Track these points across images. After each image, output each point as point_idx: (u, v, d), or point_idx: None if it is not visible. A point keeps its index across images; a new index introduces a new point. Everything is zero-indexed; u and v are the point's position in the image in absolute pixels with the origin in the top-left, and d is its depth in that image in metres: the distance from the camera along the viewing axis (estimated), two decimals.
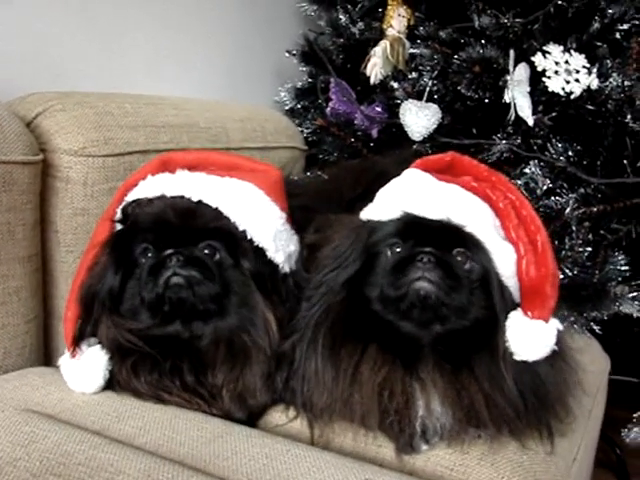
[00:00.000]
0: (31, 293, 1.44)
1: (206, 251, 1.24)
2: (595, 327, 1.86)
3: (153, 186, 1.29)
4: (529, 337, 1.16)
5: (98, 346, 1.25)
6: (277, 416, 1.27)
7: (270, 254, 1.29)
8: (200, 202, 1.25)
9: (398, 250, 1.19)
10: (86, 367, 1.24)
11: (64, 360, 1.28)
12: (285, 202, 1.37)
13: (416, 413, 1.15)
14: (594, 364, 1.72)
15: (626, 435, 2.02)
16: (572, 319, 1.78)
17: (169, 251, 1.21)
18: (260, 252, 1.28)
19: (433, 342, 1.18)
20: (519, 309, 1.19)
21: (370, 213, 1.26)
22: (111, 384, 1.26)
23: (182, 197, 1.25)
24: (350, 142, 2.09)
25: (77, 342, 1.26)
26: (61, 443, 1.03)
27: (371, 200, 1.32)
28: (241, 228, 1.26)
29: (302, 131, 2.23)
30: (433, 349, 1.18)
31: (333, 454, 1.14)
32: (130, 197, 1.31)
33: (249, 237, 1.26)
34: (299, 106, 2.35)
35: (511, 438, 1.19)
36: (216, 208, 1.25)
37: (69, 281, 1.49)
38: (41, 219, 1.47)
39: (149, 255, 1.24)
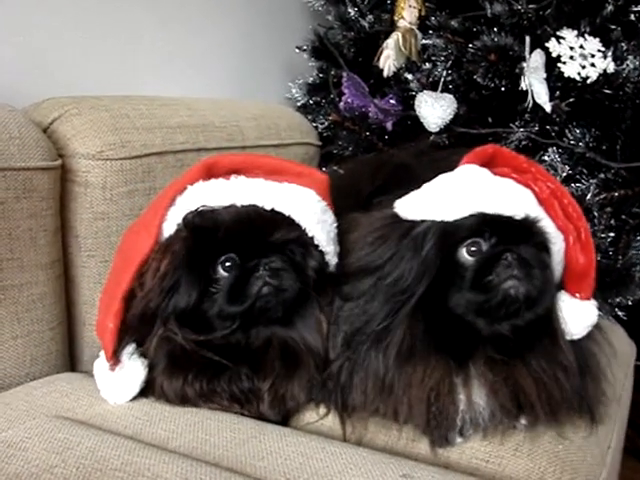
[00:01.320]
0: (55, 299, 1.44)
1: (286, 259, 1.23)
2: (620, 313, 1.84)
3: (209, 192, 1.24)
4: (580, 317, 1.21)
5: (141, 359, 1.22)
6: (308, 414, 1.26)
7: (329, 257, 1.28)
8: (273, 210, 1.22)
9: (475, 249, 1.15)
10: (125, 380, 1.22)
11: (99, 369, 1.25)
12: (333, 205, 1.35)
13: (457, 409, 1.15)
14: (620, 349, 1.70)
15: None
16: (597, 305, 1.77)
17: (255, 261, 1.20)
18: (322, 256, 1.27)
19: (493, 336, 1.16)
20: (563, 292, 1.22)
21: (428, 213, 1.19)
22: (144, 390, 1.25)
23: (255, 206, 1.21)
24: (365, 136, 2.07)
25: (118, 354, 1.22)
26: (96, 449, 1.02)
27: (389, 193, 1.30)
28: (310, 234, 1.25)
29: (316, 127, 2.22)
30: (489, 343, 1.16)
31: (368, 450, 1.13)
32: (182, 204, 1.23)
33: (317, 243, 1.25)
34: (311, 102, 2.33)
35: (547, 427, 1.19)
36: (289, 216, 1.23)
37: (92, 286, 1.50)
38: (61, 225, 1.46)
39: (228, 265, 1.21)
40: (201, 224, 1.20)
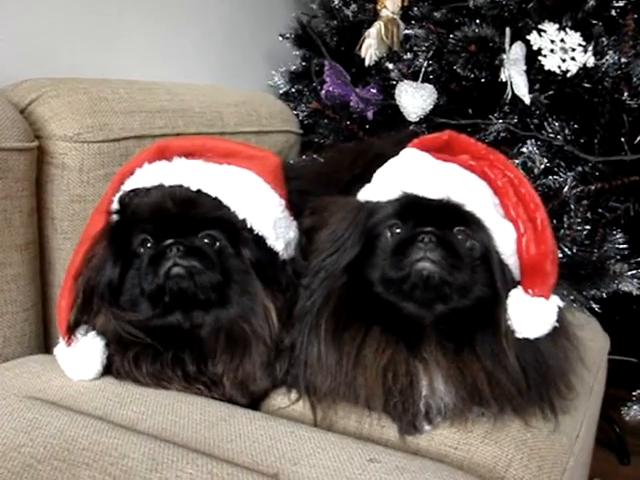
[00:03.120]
0: (29, 281, 1.43)
1: (206, 240, 1.23)
2: (595, 306, 1.86)
3: (150, 174, 1.27)
4: (530, 314, 1.16)
5: (93, 333, 1.24)
6: (279, 399, 1.27)
7: (270, 242, 1.28)
8: (199, 191, 1.24)
9: (398, 231, 1.18)
10: (83, 355, 1.23)
11: (59, 349, 1.26)
12: (284, 189, 1.36)
13: (420, 393, 1.15)
14: (594, 342, 1.72)
15: (626, 413, 2.03)
16: (572, 298, 1.78)
17: (169, 241, 1.20)
18: (260, 240, 1.27)
19: (435, 322, 1.17)
20: (519, 287, 1.19)
21: (368, 194, 1.25)
22: (110, 370, 1.25)
23: (181, 186, 1.24)
24: (346, 125, 2.08)
25: (72, 330, 1.24)
26: (64, 429, 1.03)
27: (368, 182, 1.31)
28: (241, 217, 1.25)
29: (297, 115, 2.22)
30: (435, 329, 1.17)
31: (337, 435, 1.14)
32: (127, 186, 1.28)
33: (249, 226, 1.25)
34: (293, 90, 2.33)
35: (514, 416, 1.20)
36: (215, 197, 1.24)
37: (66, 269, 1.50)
38: (37, 206, 1.46)
39: (148, 246, 1.22)
40: (127, 204, 1.24)
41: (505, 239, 1.18)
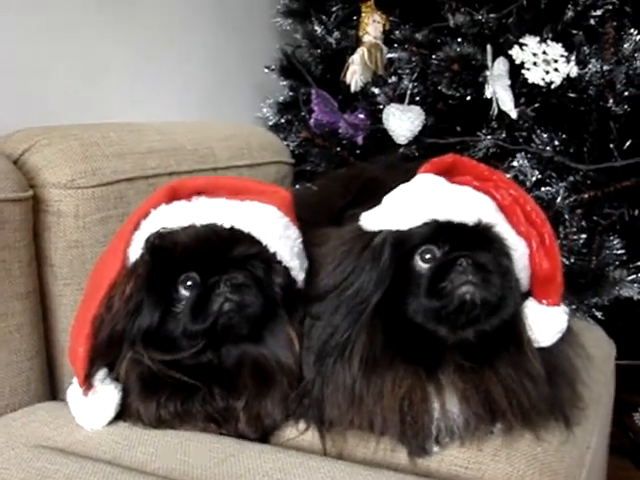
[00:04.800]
0: (32, 329, 1.44)
1: (247, 274, 1.23)
2: (597, 313, 1.86)
3: (171, 214, 1.25)
4: (547, 323, 1.20)
5: (113, 384, 1.23)
6: (287, 430, 1.26)
7: (294, 273, 1.29)
8: (233, 228, 1.24)
9: (429, 256, 1.17)
10: (98, 404, 1.22)
11: (73, 395, 1.25)
12: (297, 221, 1.36)
13: (432, 417, 1.15)
14: (599, 349, 1.71)
15: (638, 418, 2.03)
16: (574, 307, 1.79)
17: (215, 278, 1.20)
18: (286, 272, 1.28)
19: (459, 343, 1.17)
20: (531, 298, 1.22)
21: (382, 222, 1.22)
22: (119, 414, 1.24)
23: (215, 224, 1.23)
24: (336, 151, 2.09)
25: (89, 379, 1.22)
26: (73, 476, 1.03)
27: (361, 207, 1.31)
28: (272, 250, 1.26)
29: (288, 145, 2.23)
30: (456, 350, 1.17)
31: (347, 463, 1.14)
32: (147, 228, 1.25)
33: (279, 258, 1.26)
34: (283, 120, 2.35)
35: (524, 430, 1.19)
36: (249, 233, 1.24)
37: (68, 314, 1.50)
38: (36, 254, 1.47)
39: (189, 284, 1.21)
40: (160, 245, 1.22)
41: (519, 255, 1.19)
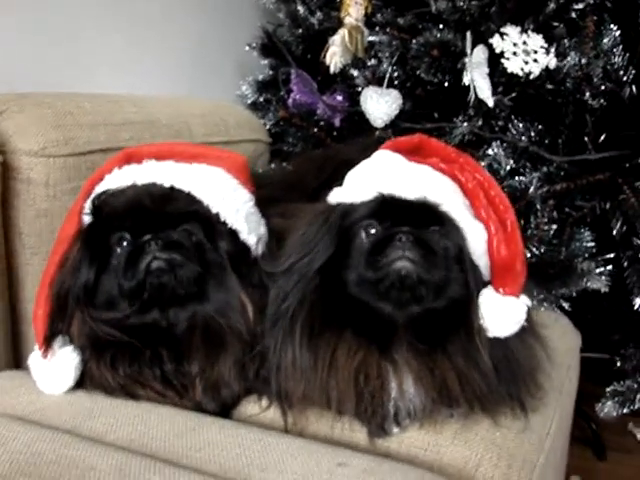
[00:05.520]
0: None
1: (183, 234, 1.24)
2: (565, 304, 1.88)
3: (121, 178, 1.28)
4: (502, 313, 1.18)
5: (71, 347, 1.24)
6: (250, 406, 1.27)
7: (243, 236, 1.29)
8: (172, 188, 1.25)
9: (374, 231, 1.18)
10: (58, 368, 1.23)
11: (34, 360, 1.26)
12: (252, 186, 1.38)
13: (389, 395, 1.16)
14: (564, 340, 1.73)
15: (600, 409, 2.06)
16: (541, 297, 1.80)
17: (147, 236, 1.20)
18: (234, 234, 1.28)
19: (408, 323, 1.17)
20: (489, 287, 1.20)
21: (340, 196, 1.26)
22: (81, 382, 1.25)
23: (154, 184, 1.25)
24: (313, 132, 2.09)
25: (49, 341, 1.24)
26: (31, 443, 1.02)
27: (336, 187, 1.32)
28: (214, 210, 1.26)
29: (265, 124, 2.23)
30: (408, 330, 1.17)
31: (306, 440, 1.14)
32: (98, 190, 1.29)
33: (223, 219, 1.27)
34: (261, 99, 2.34)
35: (483, 416, 1.20)
36: (189, 193, 1.25)
37: (36, 283, 1.48)
38: (4, 222, 1.45)
39: (125, 243, 1.22)
40: (98, 205, 1.25)
41: (476, 240, 1.19)
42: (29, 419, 1.14)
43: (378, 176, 1.22)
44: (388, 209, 1.18)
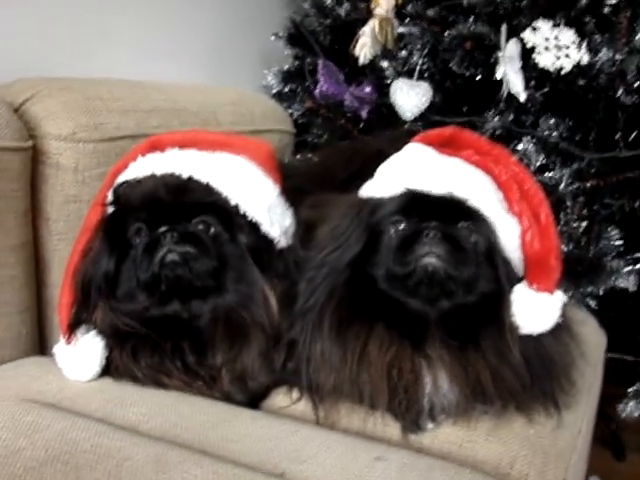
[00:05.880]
0: (24, 282, 1.41)
1: (200, 226, 1.22)
2: (591, 302, 1.86)
3: (143, 166, 1.27)
4: (535, 309, 1.15)
5: (93, 332, 1.23)
6: (280, 398, 1.26)
7: (264, 228, 1.27)
8: (190, 178, 1.23)
9: (402, 227, 1.17)
10: (82, 354, 1.22)
11: (59, 347, 1.25)
12: (278, 175, 1.35)
13: (423, 391, 1.14)
14: (591, 340, 1.71)
15: (622, 410, 2.04)
16: (570, 294, 1.78)
17: (163, 228, 1.18)
18: (255, 226, 1.26)
19: (440, 319, 1.16)
20: (523, 282, 1.18)
21: (370, 190, 1.24)
22: (108, 370, 1.24)
23: (172, 174, 1.23)
24: (340, 124, 2.07)
25: (72, 329, 1.23)
26: (65, 432, 1.01)
27: (365, 179, 1.30)
28: (234, 202, 1.24)
29: (291, 114, 2.21)
30: (440, 326, 1.16)
31: (341, 433, 1.13)
32: (121, 179, 1.28)
33: (242, 211, 1.24)
34: (286, 90, 2.32)
35: (517, 413, 1.19)
36: (207, 183, 1.23)
37: (62, 270, 1.47)
38: (32, 207, 1.44)
39: (142, 234, 1.21)
40: (118, 196, 1.24)
41: (509, 234, 1.17)
42: (60, 406, 1.13)
43: (407, 170, 1.21)
44: (416, 205, 1.17)
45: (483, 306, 1.17)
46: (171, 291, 1.20)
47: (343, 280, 1.19)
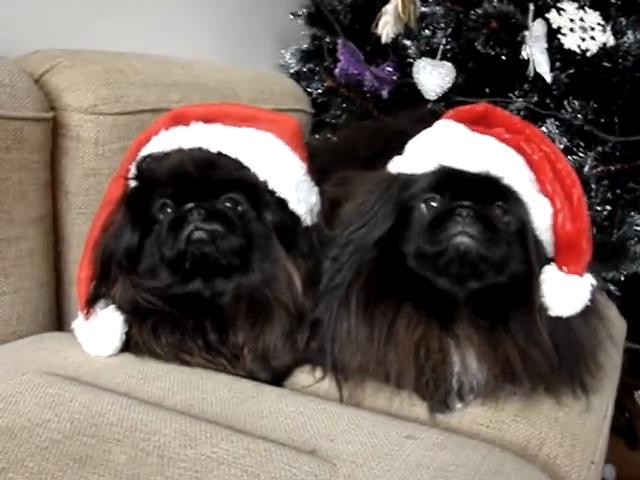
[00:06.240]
0: (44, 256, 1.40)
1: (228, 204, 1.19)
2: (612, 287, 1.83)
3: (168, 140, 1.23)
4: (565, 292, 1.13)
5: (112, 307, 1.20)
6: (303, 377, 1.24)
7: (292, 205, 1.24)
8: (219, 153, 1.20)
9: (434, 204, 1.14)
10: (101, 329, 1.19)
11: (78, 323, 1.23)
12: (305, 152, 1.32)
13: (452, 370, 1.12)
14: (614, 327, 1.69)
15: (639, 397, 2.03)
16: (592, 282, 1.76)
17: (190, 205, 1.15)
18: (282, 203, 1.23)
19: (468, 298, 1.14)
20: (553, 264, 1.16)
21: (400, 166, 1.21)
22: (128, 346, 1.22)
23: (200, 149, 1.20)
24: (360, 103, 2.04)
25: (91, 304, 1.21)
26: (90, 405, 0.99)
27: (387, 158, 1.28)
28: (262, 178, 1.21)
29: (310, 93, 2.18)
30: (468, 305, 1.14)
31: (370, 412, 1.11)
32: (144, 152, 1.25)
33: (270, 188, 1.22)
34: (304, 69, 2.28)
35: (546, 395, 1.17)
36: (236, 159, 1.20)
37: (81, 244, 1.44)
38: (51, 180, 1.42)
39: (168, 210, 1.18)
40: (142, 170, 1.20)
41: (541, 215, 1.14)
42: (82, 381, 1.10)
43: (440, 147, 1.18)
44: (449, 182, 1.14)
45: (513, 287, 1.14)
46: (195, 269, 1.18)
47: (370, 258, 1.17)
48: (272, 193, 1.22)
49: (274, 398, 1.10)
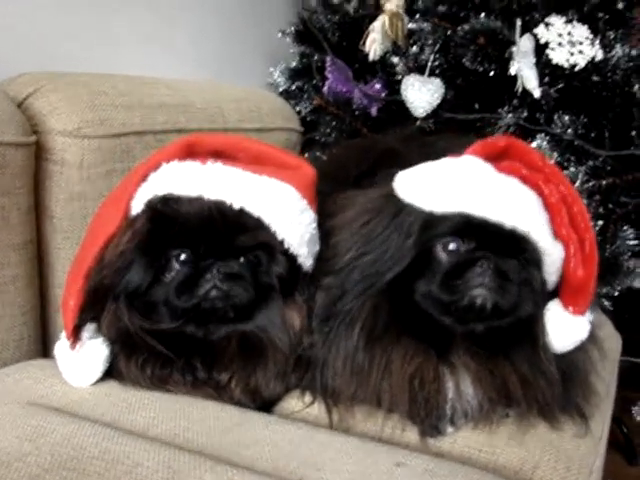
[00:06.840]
0: (27, 282, 1.37)
1: (245, 264, 1.18)
2: (606, 303, 1.82)
3: (181, 175, 1.18)
4: (569, 332, 1.15)
5: (100, 339, 1.17)
6: (293, 402, 1.21)
7: (301, 260, 1.22)
8: (242, 210, 1.16)
9: (455, 250, 1.11)
10: (85, 360, 1.16)
11: (60, 350, 1.19)
12: (316, 202, 1.28)
13: (445, 397, 1.11)
14: (608, 342, 1.68)
15: (637, 412, 2.01)
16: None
17: (210, 260, 1.14)
18: (291, 258, 1.21)
19: (469, 334, 1.13)
20: (556, 301, 1.16)
21: (419, 199, 1.14)
22: (110, 372, 1.19)
23: (223, 203, 1.15)
24: (349, 121, 2.03)
25: (78, 332, 1.17)
26: (71, 436, 0.96)
27: (375, 177, 1.28)
28: (280, 237, 1.19)
29: (299, 112, 2.17)
30: (468, 339, 1.13)
31: (359, 439, 1.09)
32: (154, 184, 1.18)
33: (287, 246, 1.19)
34: (293, 87, 2.28)
35: (540, 418, 1.15)
36: (258, 218, 1.17)
37: (67, 269, 1.42)
38: (36, 205, 1.40)
39: (182, 260, 1.16)
40: (163, 212, 1.15)
41: (552, 258, 1.13)
42: (65, 410, 1.08)
43: (464, 188, 1.12)
44: (473, 230, 1.10)
45: (516, 327, 1.14)
46: (202, 319, 1.17)
47: (379, 289, 1.14)
48: (286, 251, 1.20)
49: (261, 426, 1.08)
